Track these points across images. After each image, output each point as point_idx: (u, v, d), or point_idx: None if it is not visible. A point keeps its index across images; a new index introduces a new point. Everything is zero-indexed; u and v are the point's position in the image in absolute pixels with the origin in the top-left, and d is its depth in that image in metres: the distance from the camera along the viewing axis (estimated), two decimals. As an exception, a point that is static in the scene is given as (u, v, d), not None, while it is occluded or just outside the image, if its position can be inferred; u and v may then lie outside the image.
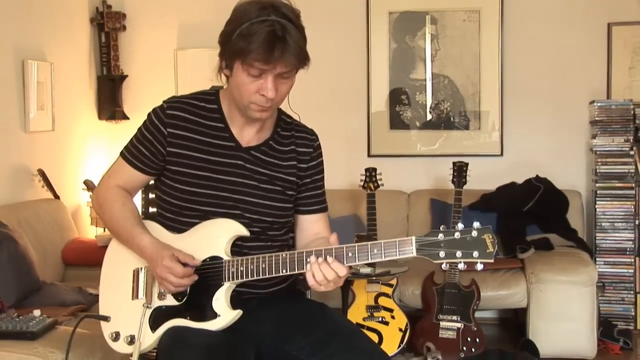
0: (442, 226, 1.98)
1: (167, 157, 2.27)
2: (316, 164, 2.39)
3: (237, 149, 2.28)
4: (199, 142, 2.27)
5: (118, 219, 2.31)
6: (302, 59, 2.11)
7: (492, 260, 1.94)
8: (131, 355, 2.22)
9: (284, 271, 2.11)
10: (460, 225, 1.96)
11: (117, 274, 2.37)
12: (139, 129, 2.32)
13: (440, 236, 1.96)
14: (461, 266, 1.97)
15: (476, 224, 1.95)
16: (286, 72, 2.12)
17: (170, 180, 2.29)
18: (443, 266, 1.99)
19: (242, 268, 2.15)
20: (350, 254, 2.03)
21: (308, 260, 2.06)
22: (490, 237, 1.94)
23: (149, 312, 2.24)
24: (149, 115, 2.31)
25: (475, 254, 1.94)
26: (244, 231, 2.21)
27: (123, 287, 2.33)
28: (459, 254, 1.94)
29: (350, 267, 2.07)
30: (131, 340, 2.25)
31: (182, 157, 2.26)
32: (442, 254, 1.95)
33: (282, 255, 2.11)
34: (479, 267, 1.95)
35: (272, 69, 2.09)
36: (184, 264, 2.16)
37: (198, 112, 2.29)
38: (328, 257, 2.03)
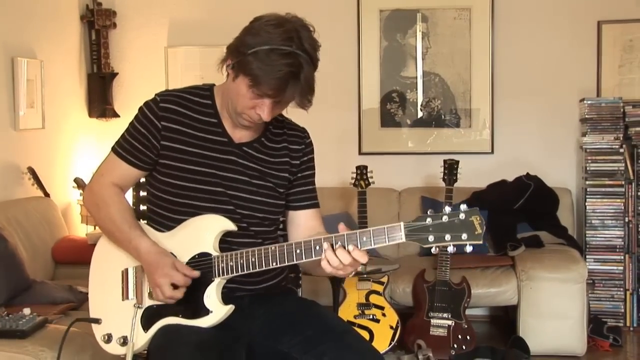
0: (430, 210, 1.98)
1: (161, 152, 2.26)
2: (307, 159, 2.40)
3: (230, 144, 2.28)
4: (191, 136, 2.26)
5: (114, 219, 2.29)
6: (308, 97, 2.12)
7: (480, 242, 1.94)
8: (124, 356, 2.21)
9: (274, 264, 2.10)
10: (447, 209, 1.96)
11: (106, 275, 2.35)
12: (131, 124, 2.30)
13: (429, 220, 1.96)
14: (450, 249, 1.97)
15: (463, 207, 1.95)
16: (287, 101, 2.14)
17: (162, 175, 2.28)
18: (433, 250, 1.99)
19: (231, 263, 2.14)
20: (339, 243, 2.03)
21: (322, 252, 2.03)
22: (478, 218, 1.94)
23: (140, 312, 2.24)
24: (141, 108, 2.29)
25: (464, 236, 1.94)
26: (231, 226, 2.20)
27: (112, 288, 2.32)
28: (447, 237, 1.94)
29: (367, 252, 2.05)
30: (124, 342, 2.24)
31: (175, 152, 2.25)
32: (431, 238, 1.96)
33: (271, 248, 2.11)
34: (468, 249, 1.95)
35: (276, 99, 2.11)
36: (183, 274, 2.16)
37: (191, 107, 2.29)
38: (349, 245, 2.02)
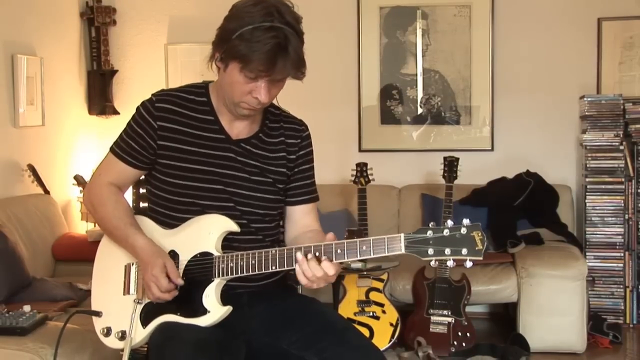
0: (432, 223, 1.98)
1: (158, 151, 2.27)
2: (304, 153, 2.39)
3: (227, 141, 2.28)
4: (189, 134, 2.26)
5: (111, 218, 2.30)
6: (301, 69, 2.13)
7: (480, 258, 1.93)
8: (122, 350, 2.22)
9: (274, 267, 2.11)
10: (449, 222, 1.96)
11: (109, 269, 2.36)
12: (129, 124, 2.31)
13: (429, 233, 1.96)
14: (450, 263, 1.97)
15: (465, 221, 1.95)
16: (281, 78, 2.14)
17: (161, 174, 2.28)
18: (432, 263, 1.99)
19: (232, 264, 2.14)
20: (339, 251, 2.03)
21: (296, 258, 2.05)
22: (479, 234, 1.93)
23: (140, 307, 2.24)
24: (138, 109, 2.30)
25: (464, 251, 1.93)
26: (234, 227, 2.20)
27: (114, 282, 2.33)
28: (447, 251, 1.94)
29: (340, 264, 2.07)
30: (122, 336, 2.25)
31: (172, 150, 2.26)
32: (430, 251, 1.95)
33: (271, 251, 2.11)
34: (468, 264, 1.95)
35: (269, 76, 2.11)
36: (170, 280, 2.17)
37: (187, 105, 2.29)
38: (319, 255, 2.03)
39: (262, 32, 2.05)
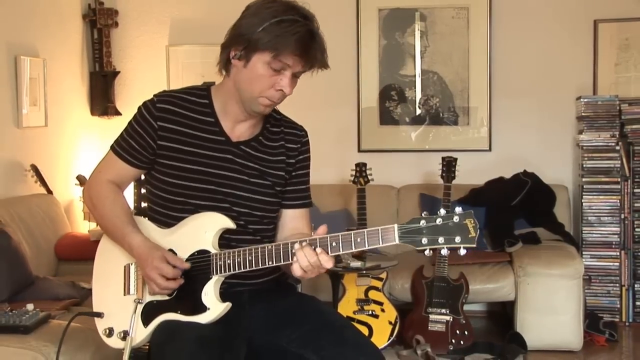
0: (424, 212, 1.98)
1: (158, 151, 2.29)
2: (303, 158, 2.42)
3: (227, 143, 2.30)
4: (189, 136, 2.28)
5: (109, 215, 2.32)
6: (326, 57, 2.21)
7: (474, 245, 1.94)
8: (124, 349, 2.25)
9: (270, 262, 2.12)
10: (442, 211, 1.97)
11: (109, 270, 2.38)
12: (130, 123, 2.33)
13: (422, 223, 1.96)
14: (444, 252, 1.98)
15: (458, 209, 1.96)
16: (302, 72, 2.20)
17: (160, 174, 2.30)
18: (426, 252, 2.00)
19: (229, 261, 2.16)
20: (334, 244, 2.04)
21: (293, 250, 2.07)
22: (472, 221, 1.94)
23: (140, 307, 2.26)
24: (139, 108, 2.32)
25: (458, 239, 1.94)
26: (230, 224, 2.21)
27: (115, 283, 2.35)
28: (441, 239, 1.95)
29: (335, 257, 2.09)
30: (124, 336, 2.26)
31: (172, 151, 2.28)
32: (424, 240, 1.96)
33: (267, 247, 2.13)
34: (462, 252, 1.95)
35: (295, 66, 2.17)
36: (174, 266, 2.19)
37: (188, 107, 2.31)
38: (316, 248, 2.06)
39: (289, 23, 2.11)
